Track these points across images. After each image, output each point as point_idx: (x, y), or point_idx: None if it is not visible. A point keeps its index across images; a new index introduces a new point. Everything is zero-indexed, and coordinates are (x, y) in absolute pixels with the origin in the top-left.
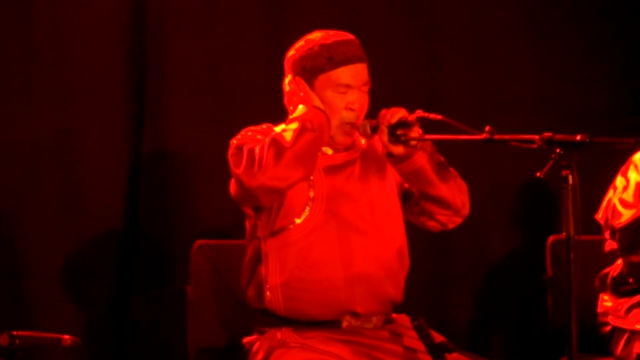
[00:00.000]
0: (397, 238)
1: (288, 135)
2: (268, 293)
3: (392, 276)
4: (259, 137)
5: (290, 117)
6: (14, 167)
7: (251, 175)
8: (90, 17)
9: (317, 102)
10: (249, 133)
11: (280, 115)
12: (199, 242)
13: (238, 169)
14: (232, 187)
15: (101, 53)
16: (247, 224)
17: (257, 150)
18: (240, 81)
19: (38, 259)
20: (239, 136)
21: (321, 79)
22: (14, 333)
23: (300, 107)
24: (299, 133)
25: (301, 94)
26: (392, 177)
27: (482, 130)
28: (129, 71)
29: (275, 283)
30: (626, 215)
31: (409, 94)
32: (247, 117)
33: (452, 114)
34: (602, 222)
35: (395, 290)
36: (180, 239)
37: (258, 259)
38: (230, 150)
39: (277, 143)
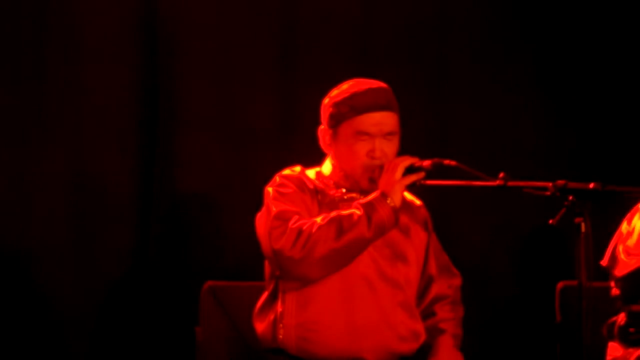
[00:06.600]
0: (412, 291)
1: (341, 235)
2: (282, 331)
3: (403, 329)
4: (296, 208)
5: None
6: (25, 208)
7: (292, 262)
8: (102, 57)
9: (398, 197)
10: (283, 193)
11: (291, 154)
12: (209, 283)
13: (279, 244)
14: (263, 237)
15: (113, 93)
16: (267, 262)
17: (305, 232)
18: (252, 122)
19: (49, 297)
20: (276, 195)
21: (344, 125)
22: None
23: (378, 193)
24: (357, 238)
25: (397, 177)
26: (419, 233)
27: (495, 176)
28: (141, 112)
29: (290, 322)
30: (629, 264)
31: (422, 140)
32: (258, 158)
33: (464, 159)
34: (608, 268)
35: (406, 344)
36: (189, 280)
37: (275, 296)
38: (273, 222)
39: (337, 228)
